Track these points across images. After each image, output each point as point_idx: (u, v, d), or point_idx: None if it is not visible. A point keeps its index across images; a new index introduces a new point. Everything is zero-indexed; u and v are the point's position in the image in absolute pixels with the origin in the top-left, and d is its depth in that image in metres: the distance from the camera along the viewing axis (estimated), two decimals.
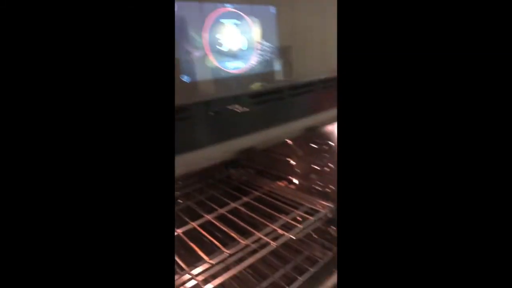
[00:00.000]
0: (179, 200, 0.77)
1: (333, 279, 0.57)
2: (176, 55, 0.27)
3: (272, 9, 0.34)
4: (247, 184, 0.79)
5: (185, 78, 0.28)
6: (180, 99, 0.29)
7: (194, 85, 0.29)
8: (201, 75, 0.29)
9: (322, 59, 0.42)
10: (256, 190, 0.73)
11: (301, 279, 0.55)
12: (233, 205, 0.67)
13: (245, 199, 0.69)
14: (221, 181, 0.85)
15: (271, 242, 0.53)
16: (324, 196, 0.65)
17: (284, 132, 0.44)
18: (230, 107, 0.36)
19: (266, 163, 0.82)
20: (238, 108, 0.37)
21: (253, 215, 0.63)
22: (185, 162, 0.33)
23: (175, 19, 0.26)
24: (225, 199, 0.69)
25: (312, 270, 0.58)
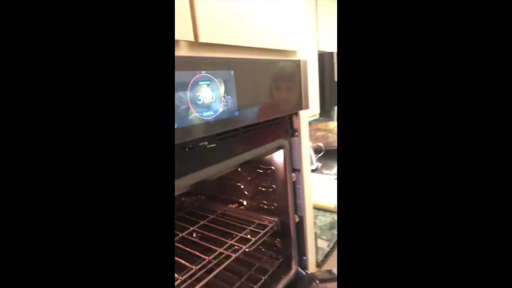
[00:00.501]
0: None
1: (281, 284, 0.68)
2: None
3: (232, 73, 0.46)
4: (200, 209, 0.87)
5: (175, 125, 0.38)
6: None
7: (180, 130, 0.39)
8: (186, 122, 0.39)
9: (267, 107, 0.57)
10: (210, 214, 0.82)
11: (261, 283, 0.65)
12: (191, 228, 0.74)
13: (202, 222, 0.77)
14: (176, 209, 0.90)
15: (232, 254, 0.62)
16: (270, 212, 0.77)
17: (238, 160, 0.55)
18: (201, 143, 0.47)
19: (216, 189, 0.92)
20: (206, 144, 0.48)
21: (211, 234, 0.72)
22: None
23: None
24: (183, 224, 0.76)
25: (263, 278, 0.68)
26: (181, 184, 0.44)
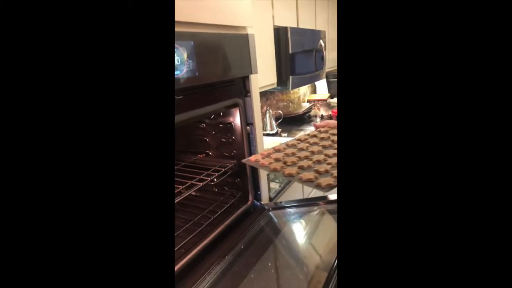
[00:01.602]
0: None
1: (240, 211, 0.90)
2: None
3: (192, 43, 0.63)
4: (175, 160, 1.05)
5: None
6: None
7: None
8: None
9: (221, 70, 0.74)
10: (182, 162, 1.00)
11: (219, 211, 0.86)
12: None
13: (176, 167, 0.96)
14: None
15: (199, 183, 0.82)
16: (231, 158, 0.97)
17: (199, 113, 0.73)
18: None
19: (187, 144, 1.09)
20: (176, 97, 0.65)
21: (184, 174, 0.91)
22: None
23: None
24: None
25: (226, 206, 0.89)
26: None
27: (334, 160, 0.56)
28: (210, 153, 1.03)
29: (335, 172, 0.50)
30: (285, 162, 0.57)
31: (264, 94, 1.93)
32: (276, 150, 0.65)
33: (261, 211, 0.96)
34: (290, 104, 2.34)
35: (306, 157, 0.59)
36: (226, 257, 0.72)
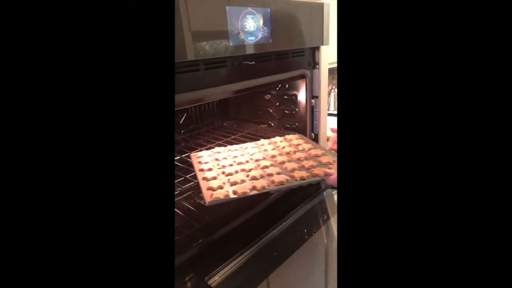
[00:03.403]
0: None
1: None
2: (226, 36, 0.57)
3: (268, 10, 0.65)
4: (237, 130, 1.11)
5: (231, 43, 0.59)
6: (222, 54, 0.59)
7: (233, 47, 0.60)
8: (237, 42, 0.60)
9: (294, 39, 0.75)
10: (246, 130, 1.06)
11: None
12: (232, 136, 0.99)
13: (236, 136, 1.02)
14: (216, 128, 1.16)
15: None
16: (293, 130, 0.99)
17: (268, 80, 0.75)
18: (244, 62, 0.67)
19: (251, 114, 1.14)
20: (248, 62, 0.68)
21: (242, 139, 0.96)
22: (194, 97, 0.63)
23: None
24: (221, 137, 1.01)
25: None
26: (232, 88, 0.66)
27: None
28: (272, 124, 1.07)
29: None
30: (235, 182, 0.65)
31: (330, 72, 1.86)
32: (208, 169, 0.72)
33: (318, 185, 0.97)
34: None
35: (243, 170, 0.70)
36: (276, 226, 0.74)
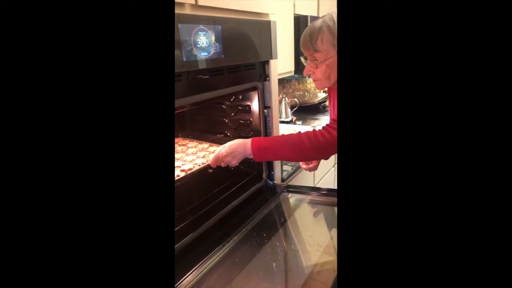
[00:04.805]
0: None
1: (254, 188, 0.96)
2: (180, 51, 0.59)
3: (219, 27, 0.69)
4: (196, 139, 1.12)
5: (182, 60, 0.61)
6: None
7: (186, 63, 0.62)
8: (190, 57, 0.62)
9: (244, 53, 0.79)
10: (204, 141, 1.07)
11: (239, 185, 0.93)
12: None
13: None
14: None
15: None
16: (248, 138, 1.03)
17: (223, 93, 0.79)
18: (199, 76, 0.70)
19: (207, 124, 1.16)
20: (202, 76, 0.71)
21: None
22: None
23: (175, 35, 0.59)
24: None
25: (241, 182, 0.96)
26: (187, 101, 0.68)
27: None
28: (229, 134, 1.10)
29: None
30: None
31: (280, 82, 1.96)
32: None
33: (273, 189, 1.02)
34: (306, 93, 2.36)
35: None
36: (237, 233, 0.77)
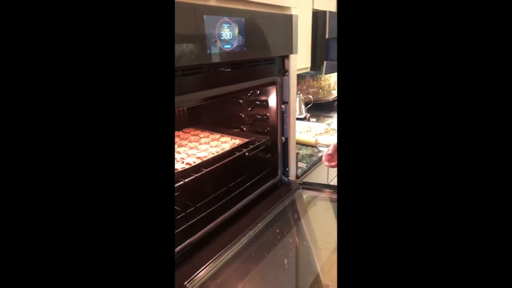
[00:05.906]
0: None
1: (269, 184, 0.96)
2: (204, 44, 0.59)
3: (243, 20, 0.68)
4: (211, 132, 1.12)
5: (208, 51, 0.60)
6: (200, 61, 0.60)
7: (209, 55, 0.61)
8: (214, 50, 0.62)
9: (268, 46, 0.78)
10: (219, 133, 1.07)
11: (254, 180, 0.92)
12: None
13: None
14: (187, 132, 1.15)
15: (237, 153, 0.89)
16: (264, 134, 1.02)
17: (244, 85, 0.78)
18: (220, 69, 0.69)
19: (223, 118, 1.16)
20: (224, 69, 0.70)
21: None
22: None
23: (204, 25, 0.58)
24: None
25: (256, 177, 0.96)
26: (207, 94, 0.68)
27: None
28: (244, 129, 1.09)
29: None
30: None
31: (297, 78, 1.95)
32: None
33: (288, 186, 1.01)
34: (320, 90, 2.34)
35: None
36: (252, 227, 0.77)
